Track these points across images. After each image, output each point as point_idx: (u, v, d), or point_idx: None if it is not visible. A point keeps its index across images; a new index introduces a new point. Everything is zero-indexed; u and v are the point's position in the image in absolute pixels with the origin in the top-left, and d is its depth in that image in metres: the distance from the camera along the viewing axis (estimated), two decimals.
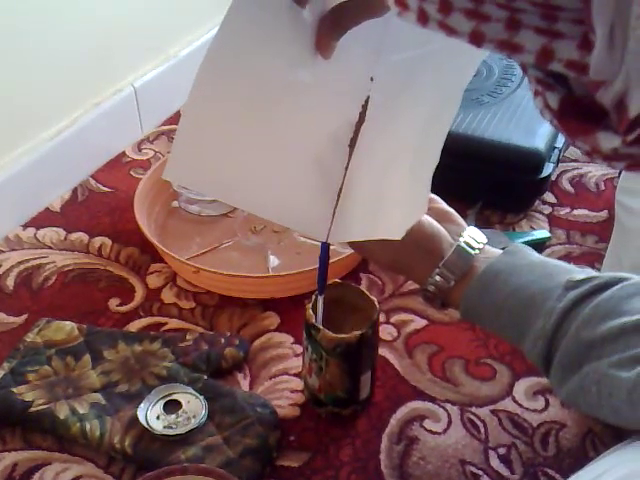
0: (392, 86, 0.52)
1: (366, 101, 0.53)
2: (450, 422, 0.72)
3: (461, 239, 0.60)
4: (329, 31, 0.47)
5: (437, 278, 0.59)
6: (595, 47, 0.25)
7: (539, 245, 0.92)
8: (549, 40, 0.25)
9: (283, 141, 0.53)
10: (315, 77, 0.50)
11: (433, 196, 0.64)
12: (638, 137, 0.26)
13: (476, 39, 0.27)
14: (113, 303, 0.86)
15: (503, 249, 0.59)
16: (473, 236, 0.60)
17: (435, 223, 0.61)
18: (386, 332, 0.81)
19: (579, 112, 0.28)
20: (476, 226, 0.62)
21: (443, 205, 0.64)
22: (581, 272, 0.56)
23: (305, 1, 0.46)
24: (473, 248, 0.59)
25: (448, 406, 0.73)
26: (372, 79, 0.53)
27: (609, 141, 0.27)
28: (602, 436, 0.70)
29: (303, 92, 0.50)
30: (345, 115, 0.54)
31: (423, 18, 0.27)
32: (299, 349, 0.79)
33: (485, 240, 0.60)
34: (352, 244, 0.64)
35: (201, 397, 0.71)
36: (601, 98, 0.26)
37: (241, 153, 0.51)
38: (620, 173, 0.89)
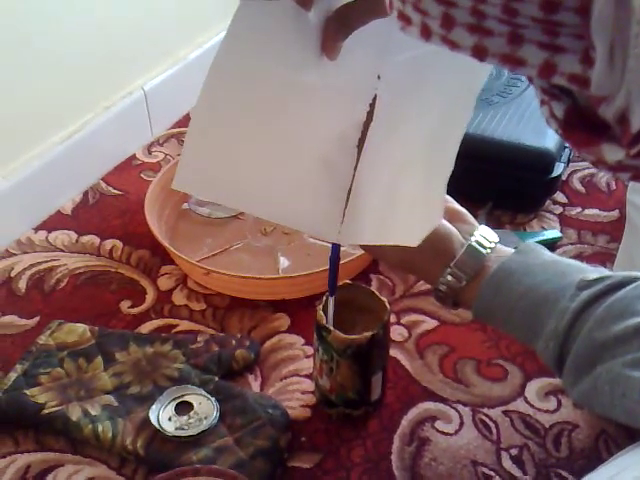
0: (400, 85, 0.52)
1: (374, 100, 0.53)
2: (462, 423, 0.71)
3: (472, 238, 0.59)
4: (335, 32, 0.47)
5: (449, 278, 0.59)
6: (595, 64, 0.24)
7: (550, 245, 0.91)
8: (551, 54, 0.26)
9: (291, 143, 0.53)
10: (322, 78, 0.50)
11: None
12: None
13: (479, 53, 0.27)
14: (124, 305, 0.86)
15: (515, 248, 0.59)
16: (485, 235, 0.60)
17: (446, 222, 0.61)
18: (397, 333, 0.81)
19: (584, 123, 0.28)
20: (487, 226, 0.62)
21: (454, 204, 0.64)
22: (594, 271, 0.55)
23: (310, 3, 0.46)
24: (485, 247, 0.59)
25: (460, 407, 0.73)
26: (379, 77, 0.52)
27: (613, 153, 0.27)
28: (615, 437, 0.69)
29: (310, 94, 0.50)
30: (353, 115, 0.54)
31: (426, 33, 0.27)
32: (310, 350, 0.79)
33: (497, 239, 0.60)
34: (363, 245, 0.64)
35: (212, 398, 0.71)
36: (604, 112, 0.26)
37: (249, 158, 0.51)
38: None
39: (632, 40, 0.23)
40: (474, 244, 0.59)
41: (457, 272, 0.59)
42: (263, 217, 0.58)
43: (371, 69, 0.52)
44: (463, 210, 0.63)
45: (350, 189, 0.57)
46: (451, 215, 0.62)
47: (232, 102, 0.48)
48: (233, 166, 0.51)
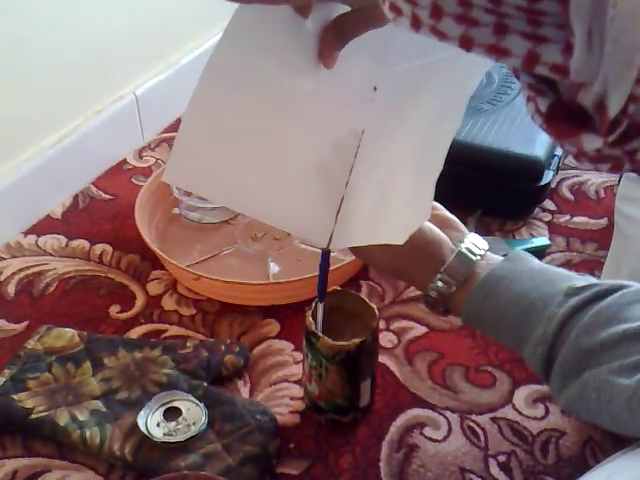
0: (395, 95, 0.53)
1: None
2: (450, 430, 0.72)
3: (462, 245, 0.60)
4: (332, 41, 0.48)
5: (439, 284, 0.59)
6: (574, 50, 0.25)
7: (539, 252, 0.92)
8: (534, 44, 0.26)
9: (285, 148, 0.53)
10: (318, 86, 0.50)
11: (434, 203, 0.64)
12: (619, 138, 0.27)
13: (465, 43, 0.27)
14: (114, 310, 0.86)
15: (504, 256, 0.60)
16: (474, 242, 0.60)
17: (436, 229, 0.61)
18: (386, 339, 0.81)
19: (567, 115, 0.29)
20: (476, 233, 0.62)
21: (444, 212, 0.64)
22: (581, 279, 0.56)
23: (308, 11, 0.46)
24: (474, 254, 0.59)
25: (448, 413, 0.73)
26: (375, 89, 0.53)
27: (592, 142, 0.28)
28: (602, 444, 0.70)
29: (305, 101, 0.51)
30: (349, 124, 0.54)
31: (416, 24, 0.28)
32: (299, 356, 0.79)
33: (486, 246, 0.61)
34: (353, 249, 0.64)
35: (201, 404, 0.71)
36: (582, 99, 0.27)
37: (243, 158, 0.52)
38: (620, 181, 0.89)
39: (608, 24, 0.23)
40: (464, 250, 0.59)
41: (447, 278, 0.59)
42: (253, 217, 0.58)
43: (367, 79, 0.52)
44: (453, 217, 0.64)
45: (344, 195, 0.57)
46: (441, 222, 0.62)
47: (226, 103, 0.48)
48: (225, 164, 0.51)
